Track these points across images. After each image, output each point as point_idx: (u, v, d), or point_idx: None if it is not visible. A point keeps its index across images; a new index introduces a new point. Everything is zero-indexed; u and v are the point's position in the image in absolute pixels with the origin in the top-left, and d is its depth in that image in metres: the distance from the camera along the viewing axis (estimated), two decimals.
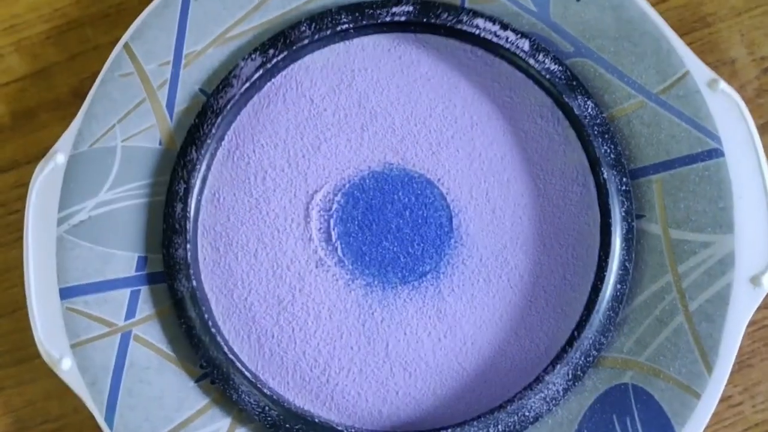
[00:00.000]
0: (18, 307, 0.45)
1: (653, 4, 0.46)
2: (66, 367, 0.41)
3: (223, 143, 0.44)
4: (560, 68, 0.43)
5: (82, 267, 0.42)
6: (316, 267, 0.43)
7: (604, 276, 0.41)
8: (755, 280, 0.41)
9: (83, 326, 0.41)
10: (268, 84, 0.44)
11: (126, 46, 0.43)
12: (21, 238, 0.43)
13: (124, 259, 0.42)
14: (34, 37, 0.46)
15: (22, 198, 0.44)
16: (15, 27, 0.46)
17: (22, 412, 0.44)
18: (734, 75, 0.45)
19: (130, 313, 0.42)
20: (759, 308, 0.43)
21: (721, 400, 0.42)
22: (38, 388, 0.44)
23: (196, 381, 0.42)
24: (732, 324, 0.41)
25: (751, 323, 0.43)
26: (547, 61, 0.43)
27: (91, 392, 0.41)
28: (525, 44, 0.44)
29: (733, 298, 0.41)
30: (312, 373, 0.42)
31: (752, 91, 0.45)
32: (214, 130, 0.43)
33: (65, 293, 0.42)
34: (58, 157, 0.42)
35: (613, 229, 0.42)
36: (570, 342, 0.41)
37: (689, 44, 0.45)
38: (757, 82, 0.45)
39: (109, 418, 0.41)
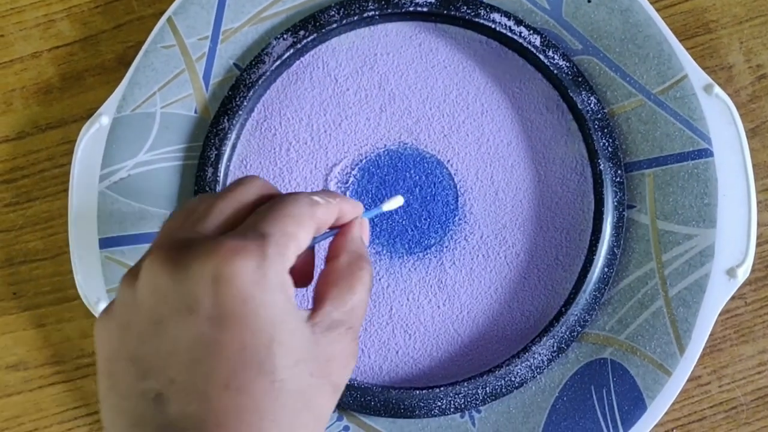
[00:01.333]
0: (60, 252, 0.48)
1: (659, 9, 0.48)
2: (102, 309, 0.45)
3: (252, 115, 0.47)
4: (568, 64, 0.46)
5: (120, 220, 0.46)
6: (316, 243, 0.46)
7: (594, 259, 0.45)
8: (731, 272, 0.45)
9: (119, 274, 0.45)
10: (297, 62, 0.48)
11: (169, 20, 0.47)
12: (65, 190, 0.47)
13: (158, 216, 0.46)
14: (83, 5, 0.49)
15: (68, 153, 0.48)
16: None
17: (60, 347, 0.48)
18: (730, 80, 0.48)
19: None
20: (733, 298, 0.46)
21: (691, 379, 0.46)
22: (75, 326, 0.48)
23: None
24: (706, 311, 0.44)
25: (725, 311, 0.47)
26: (556, 56, 0.46)
27: None
28: (537, 40, 0.46)
29: (710, 287, 0.44)
30: None
31: (746, 96, 0.48)
32: (245, 102, 0.46)
33: (104, 243, 0.46)
34: (103, 119, 0.46)
35: (605, 216, 0.45)
36: (557, 317, 0.45)
37: (691, 48, 0.48)
38: (751, 88, 0.48)
39: None
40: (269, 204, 0.32)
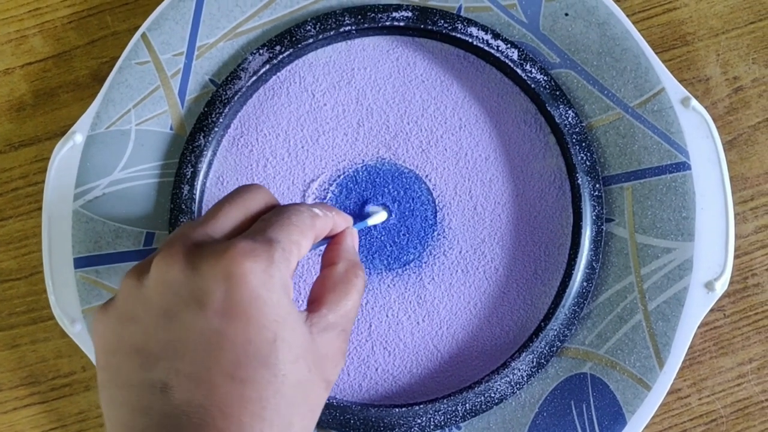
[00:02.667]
0: (34, 272, 0.48)
1: (637, 22, 0.48)
2: (77, 329, 0.45)
3: (229, 131, 0.47)
4: (545, 78, 0.46)
5: (95, 239, 0.45)
6: (309, 251, 0.47)
7: (572, 273, 0.45)
8: (709, 285, 0.45)
9: (94, 294, 0.45)
10: (274, 78, 0.47)
11: (143, 36, 0.46)
12: (39, 208, 0.47)
13: (133, 234, 0.46)
14: (57, 21, 0.49)
15: (42, 171, 0.48)
16: (39, 10, 0.49)
17: (35, 368, 0.47)
18: (707, 92, 0.48)
19: None
20: (712, 310, 0.46)
21: (671, 392, 0.46)
22: (51, 346, 0.48)
23: None
24: (685, 324, 0.44)
25: (704, 324, 0.47)
26: (533, 70, 0.46)
27: None
28: (514, 54, 0.46)
29: (688, 301, 0.45)
30: None
31: (723, 109, 0.48)
32: (221, 119, 0.46)
33: (78, 263, 0.45)
34: (77, 137, 0.46)
35: (583, 231, 0.45)
36: (536, 332, 0.45)
37: (668, 61, 0.48)
38: (728, 100, 0.48)
39: None
40: (275, 212, 0.35)
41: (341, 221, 0.38)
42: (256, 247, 0.32)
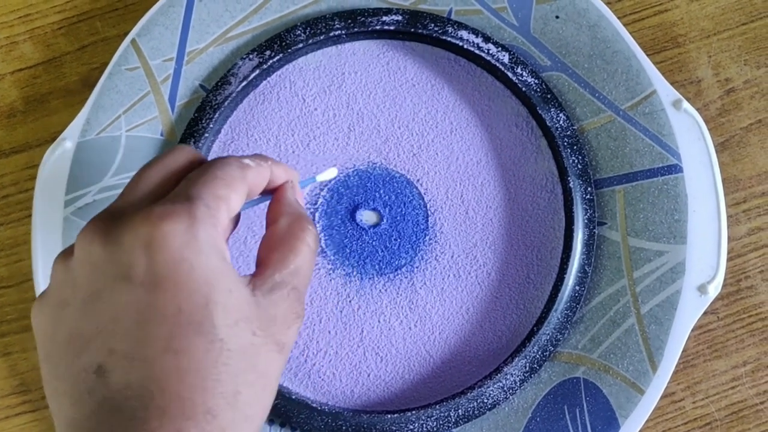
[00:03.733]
0: (25, 279, 0.48)
1: (628, 24, 0.48)
2: None
3: (219, 136, 0.47)
4: (536, 81, 0.46)
5: None
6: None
7: (565, 277, 0.45)
8: (702, 288, 0.44)
9: None
10: (264, 82, 0.47)
11: (133, 41, 0.46)
12: (30, 215, 0.46)
13: None
14: (46, 27, 0.49)
15: (32, 178, 0.48)
16: (29, 16, 0.49)
17: (27, 376, 0.47)
18: (699, 94, 0.48)
19: None
20: (705, 313, 0.46)
21: (665, 396, 0.46)
22: None
23: None
24: (678, 328, 0.44)
25: (697, 327, 0.46)
26: (524, 73, 0.46)
27: None
28: (505, 57, 0.46)
29: (681, 304, 0.44)
30: (292, 353, 0.46)
31: (715, 111, 0.48)
32: (211, 124, 0.46)
33: None
34: (67, 144, 0.45)
35: (575, 234, 0.45)
36: (529, 337, 0.44)
37: (660, 63, 0.48)
38: (720, 102, 0.48)
39: None
40: (199, 169, 0.32)
41: (281, 172, 0.35)
42: (175, 208, 0.29)
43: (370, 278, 0.46)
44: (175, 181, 0.33)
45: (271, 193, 0.36)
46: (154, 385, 0.28)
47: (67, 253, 0.31)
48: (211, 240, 0.30)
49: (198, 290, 0.29)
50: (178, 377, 0.29)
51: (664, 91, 0.46)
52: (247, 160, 0.33)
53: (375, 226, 0.46)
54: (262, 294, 0.31)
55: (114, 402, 0.29)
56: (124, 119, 0.46)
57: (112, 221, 0.30)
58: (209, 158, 0.46)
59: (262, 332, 0.31)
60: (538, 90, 0.46)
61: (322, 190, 0.47)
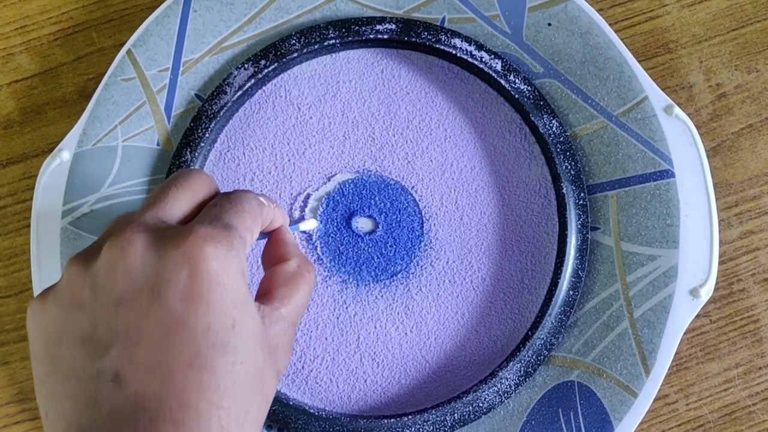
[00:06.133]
0: (24, 289, 0.48)
1: (620, 30, 0.49)
2: None
3: (215, 146, 0.47)
4: (529, 88, 0.47)
5: None
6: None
7: (559, 282, 0.45)
8: (694, 292, 0.45)
9: None
10: (259, 92, 0.48)
11: (129, 52, 0.46)
12: (28, 226, 0.47)
13: None
14: (43, 38, 0.49)
15: (30, 189, 0.48)
16: (25, 28, 0.49)
17: (26, 385, 0.48)
18: (691, 99, 0.49)
19: None
20: (698, 316, 0.47)
21: (658, 399, 0.47)
22: None
23: None
24: (671, 331, 0.45)
25: (690, 330, 0.47)
26: (517, 80, 0.47)
27: None
28: (498, 64, 0.47)
29: (674, 308, 0.45)
30: (290, 359, 0.46)
31: (706, 116, 0.49)
32: (207, 134, 0.46)
33: None
34: (64, 155, 0.46)
35: (569, 239, 0.45)
36: (524, 341, 0.45)
37: (652, 69, 0.49)
38: (711, 107, 0.49)
39: None
40: (226, 198, 0.34)
41: (279, 215, 0.38)
42: (216, 232, 0.31)
43: (366, 285, 0.47)
44: (199, 207, 0.35)
45: (268, 233, 0.38)
46: (174, 398, 0.29)
47: (88, 256, 0.32)
48: (242, 267, 0.31)
49: (227, 312, 0.31)
50: (199, 392, 0.30)
51: (656, 96, 0.46)
52: (262, 199, 0.36)
53: (371, 233, 0.47)
54: (270, 323, 0.33)
55: (128, 411, 0.29)
56: (120, 129, 0.46)
57: (149, 233, 0.31)
58: (206, 168, 0.47)
59: (269, 358, 0.32)
60: (531, 97, 0.46)
61: (318, 199, 0.47)
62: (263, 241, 0.38)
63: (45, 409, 0.31)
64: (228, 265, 0.31)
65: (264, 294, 0.35)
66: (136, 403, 0.29)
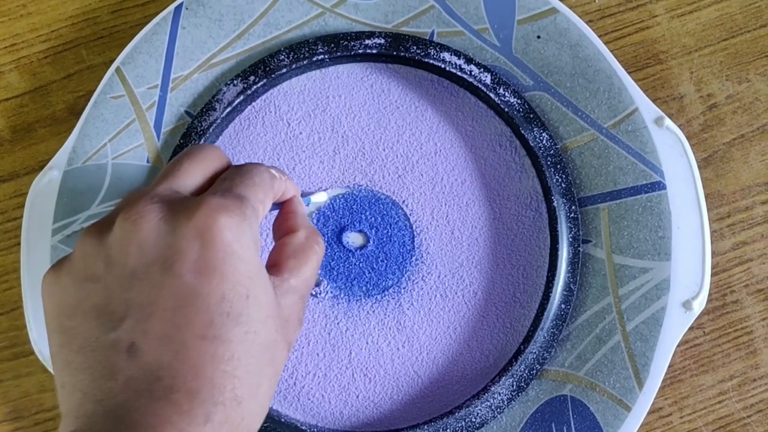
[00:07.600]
0: (15, 307, 0.48)
1: (610, 42, 0.49)
2: None
3: None
4: (519, 101, 0.46)
5: None
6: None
7: (550, 296, 0.45)
8: (687, 305, 0.45)
9: None
10: (249, 108, 0.48)
11: (118, 70, 0.46)
12: (19, 243, 0.47)
13: None
14: (32, 56, 0.49)
15: (21, 207, 0.48)
16: (15, 46, 0.49)
17: (18, 403, 0.48)
18: (682, 110, 0.48)
19: None
20: (691, 328, 0.47)
21: (652, 411, 0.46)
22: (33, 381, 0.48)
23: None
24: (664, 344, 0.44)
25: (684, 342, 0.47)
26: (507, 94, 0.46)
27: None
28: (487, 78, 0.47)
29: (666, 320, 0.45)
30: (281, 375, 0.46)
31: (698, 126, 0.48)
32: None
33: None
34: (54, 173, 0.46)
35: (560, 253, 0.45)
36: (516, 355, 0.45)
37: (642, 80, 0.48)
38: (702, 118, 0.48)
39: None
40: (238, 171, 0.35)
41: (291, 187, 0.38)
42: (229, 203, 0.31)
43: (357, 300, 0.46)
44: (212, 179, 0.35)
45: (279, 204, 0.38)
46: (188, 368, 0.29)
47: (102, 228, 0.32)
48: (255, 238, 0.32)
49: (242, 283, 0.31)
50: (213, 363, 0.30)
51: (646, 108, 0.46)
52: (273, 171, 0.36)
53: (362, 247, 0.47)
54: (281, 294, 0.33)
55: (143, 381, 0.29)
56: (110, 147, 0.46)
57: (163, 205, 0.31)
58: None
59: (281, 330, 0.32)
60: (521, 110, 0.46)
61: (309, 214, 0.47)
62: (275, 213, 0.39)
63: (61, 381, 0.31)
64: (241, 236, 0.31)
65: (273, 265, 0.35)
66: (151, 374, 0.29)
